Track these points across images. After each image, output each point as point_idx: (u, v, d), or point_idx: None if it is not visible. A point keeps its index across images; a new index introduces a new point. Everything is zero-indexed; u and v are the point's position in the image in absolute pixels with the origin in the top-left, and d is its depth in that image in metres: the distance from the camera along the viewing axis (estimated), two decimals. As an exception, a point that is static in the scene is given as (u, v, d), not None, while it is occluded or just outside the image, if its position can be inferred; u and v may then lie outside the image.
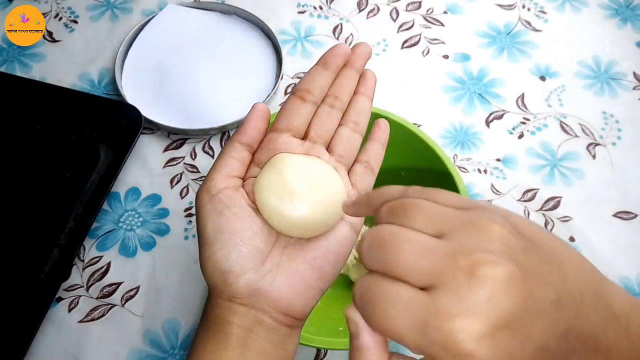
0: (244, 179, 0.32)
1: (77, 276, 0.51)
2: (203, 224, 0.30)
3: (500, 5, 0.69)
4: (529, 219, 0.23)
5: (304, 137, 0.33)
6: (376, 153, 0.35)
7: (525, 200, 0.55)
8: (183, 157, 0.57)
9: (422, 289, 0.20)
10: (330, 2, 0.68)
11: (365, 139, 0.35)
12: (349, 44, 0.65)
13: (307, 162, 0.31)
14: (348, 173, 0.34)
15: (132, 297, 0.50)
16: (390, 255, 0.21)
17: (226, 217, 0.29)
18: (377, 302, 0.21)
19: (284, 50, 0.64)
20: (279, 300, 0.29)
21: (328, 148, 0.33)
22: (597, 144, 0.58)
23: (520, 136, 0.59)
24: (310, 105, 0.32)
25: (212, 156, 0.57)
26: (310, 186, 0.30)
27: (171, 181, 0.56)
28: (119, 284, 0.50)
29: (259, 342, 0.29)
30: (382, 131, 0.35)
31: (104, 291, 0.50)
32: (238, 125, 0.58)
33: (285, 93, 0.62)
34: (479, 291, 0.19)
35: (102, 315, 0.49)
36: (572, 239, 0.53)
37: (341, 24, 0.67)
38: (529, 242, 0.21)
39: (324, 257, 0.31)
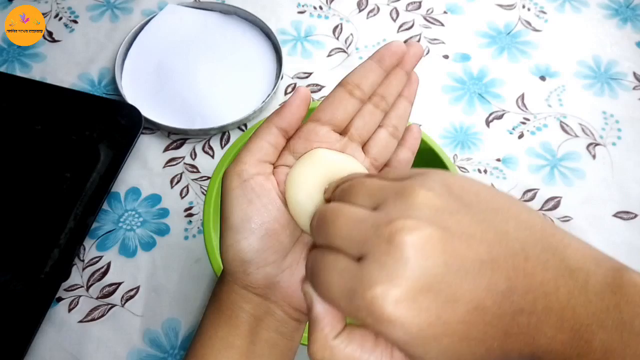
0: (275, 165, 0.31)
1: (77, 276, 0.51)
2: (230, 209, 0.29)
3: (500, 5, 0.69)
4: (473, 179, 0.23)
5: (343, 133, 0.32)
6: (407, 162, 0.34)
7: (525, 200, 0.55)
8: (183, 157, 0.57)
9: (360, 259, 0.21)
10: (330, 2, 0.68)
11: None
12: (349, 45, 0.65)
13: (344, 162, 0.30)
14: None
15: (132, 297, 0.50)
16: (329, 228, 0.23)
17: (256, 206, 0.28)
18: (320, 272, 0.23)
19: (284, 50, 0.64)
20: (294, 296, 0.29)
21: (363, 148, 0.32)
22: (597, 144, 0.58)
23: (520, 136, 0.59)
24: (357, 101, 0.31)
25: (212, 156, 0.57)
26: None
27: (171, 181, 0.56)
28: (119, 284, 0.50)
29: (268, 332, 0.29)
30: (415, 139, 0.34)
31: (104, 291, 0.50)
32: (238, 125, 0.58)
33: (286, 93, 0.62)
34: (397, 257, 0.20)
35: (102, 315, 0.49)
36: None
37: (341, 24, 0.67)
38: (462, 203, 0.21)
39: None
